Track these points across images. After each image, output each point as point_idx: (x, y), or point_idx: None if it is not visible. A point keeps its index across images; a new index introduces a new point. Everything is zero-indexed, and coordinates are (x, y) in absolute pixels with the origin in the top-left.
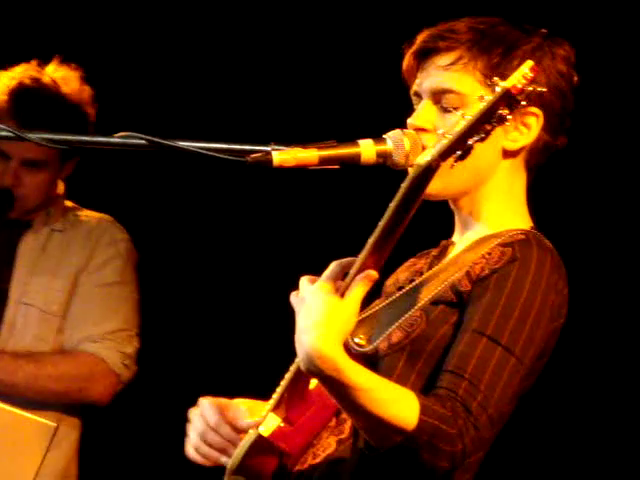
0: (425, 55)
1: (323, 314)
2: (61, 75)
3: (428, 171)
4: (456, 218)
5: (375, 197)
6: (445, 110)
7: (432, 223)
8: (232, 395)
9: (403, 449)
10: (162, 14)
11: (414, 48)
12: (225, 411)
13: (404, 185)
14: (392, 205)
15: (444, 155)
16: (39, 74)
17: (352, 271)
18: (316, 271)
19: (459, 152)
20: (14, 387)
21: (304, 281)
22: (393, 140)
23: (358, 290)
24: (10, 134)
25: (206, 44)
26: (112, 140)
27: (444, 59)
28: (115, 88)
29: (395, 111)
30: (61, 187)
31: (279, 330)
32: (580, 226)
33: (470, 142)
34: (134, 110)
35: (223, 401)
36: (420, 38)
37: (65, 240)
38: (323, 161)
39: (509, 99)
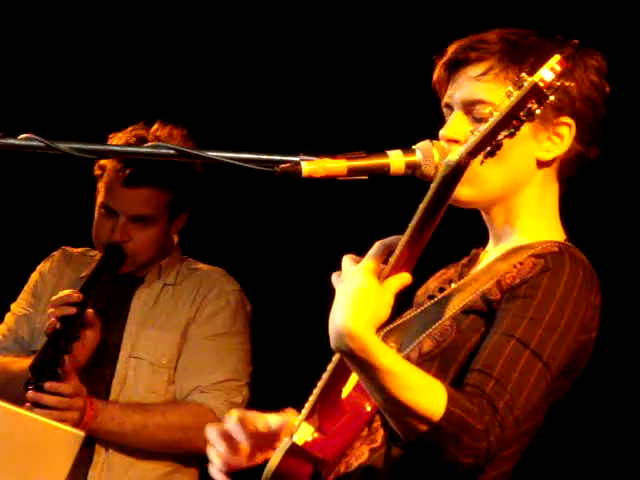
0: (456, 66)
1: (360, 293)
2: (165, 133)
3: (457, 169)
4: (489, 229)
5: (404, 207)
6: (477, 120)
7: (463, 235)
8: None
9: (427, 441)
10: (192, 29)
11: (445, 59)
12: (252, 419)
13: (433, 185)
14: (422, 206)
15: (473, 152)
16: (144, 133)
17: (384, 273)
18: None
19: (488, 148)
20: (124, 437)
21: (347, 260)
22: (422, 151)
23: (396, 280)
24: (41, 144)
25: (235, 57)
26: (141, 150)
27: (475, 70)
28: (144, 100)
29: (424, 122)
30: (175, 239)
31: (304, 341)
32: (613, 238)
33: (499, 137)
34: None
35: (251, 413)
36: (451, 49)
37: (176, 293)
38: (352, 172)
39: (537, 93)
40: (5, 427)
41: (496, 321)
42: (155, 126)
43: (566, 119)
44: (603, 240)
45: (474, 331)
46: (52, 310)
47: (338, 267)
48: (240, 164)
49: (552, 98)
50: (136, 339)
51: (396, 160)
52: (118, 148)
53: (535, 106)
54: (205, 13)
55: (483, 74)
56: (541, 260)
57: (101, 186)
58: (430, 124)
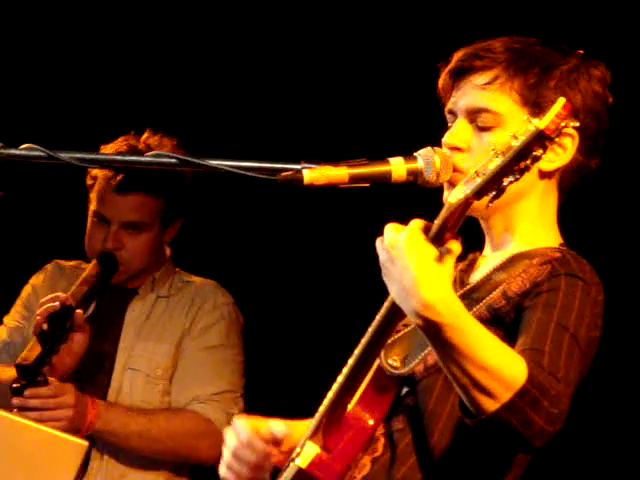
0: (461, 74)
1: (430, 259)
2: (155, 141)
3: (459, 210)
4: (486, 235)
5: (404, 215)
6: (480, 129)
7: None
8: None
9: (510, 409)
10: (189, 36)
11: (450, 67)
12: (259, 429)
13: (437, 222)
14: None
15: (478, 194)
16: (135, 143)
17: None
18: (358, 294)
19: (493, 192)
20: (128, 439)
21: (391, 229)
22: (424, 158)
23: (454, 245)
24: (42, 154)
25: (238, 64)
26: (142, 159)
27: (481, 78)
28: (142, 109)
29: (426, 129)
30: (167, 252)
31: (297, 351)
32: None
33: (505, 183)
34: (165, 129)
35: (257, 420)
36: (456, 57)
37: (170, 306)
38: (353, 179)
39: (543, 139)
40: (9, 437)
41: (526, 316)
42: (145, 134)
43: (569, 130)
44: (601, 248)
45: None
46: (39, 311)
47: (335, 277)
48: (242, 172)
49: (557, 140)
50: (131, 351)
51: (398, 167)
52: (119, 157)
53: (540, 151)
54: (202, 19)
55: (488, 83)
56: (548, 265)
57: (93, 195)
58: (432, 131)
